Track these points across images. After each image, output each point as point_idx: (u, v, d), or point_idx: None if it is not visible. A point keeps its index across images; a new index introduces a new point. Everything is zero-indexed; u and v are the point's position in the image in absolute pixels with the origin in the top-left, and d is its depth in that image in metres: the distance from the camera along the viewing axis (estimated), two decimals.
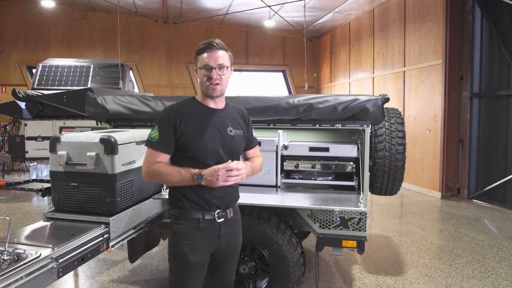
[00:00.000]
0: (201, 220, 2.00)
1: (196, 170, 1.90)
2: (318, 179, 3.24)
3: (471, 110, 7.15)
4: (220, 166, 1.89)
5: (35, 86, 8.02)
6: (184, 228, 2.00)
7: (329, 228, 2.77)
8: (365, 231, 2.72)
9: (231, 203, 2.12)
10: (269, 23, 11.49)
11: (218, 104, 2.07)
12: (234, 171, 1.89)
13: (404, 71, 8.28)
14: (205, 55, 1.97)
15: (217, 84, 1.97)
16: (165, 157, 1.98)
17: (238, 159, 2.10)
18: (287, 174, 3.31)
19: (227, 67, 2.00)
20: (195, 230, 2.00)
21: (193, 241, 1.99)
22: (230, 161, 1.93)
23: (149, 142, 1.99)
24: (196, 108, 2.03)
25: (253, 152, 2.27)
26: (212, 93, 1.99)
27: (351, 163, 3.17)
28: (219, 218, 2.03)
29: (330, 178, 3.24)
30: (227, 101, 2.13)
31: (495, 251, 4.53)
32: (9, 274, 1.80)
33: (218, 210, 2.03)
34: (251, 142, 2.24)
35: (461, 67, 7.15)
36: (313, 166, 3.21)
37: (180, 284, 2.04)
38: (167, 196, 2.93)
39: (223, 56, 1.99)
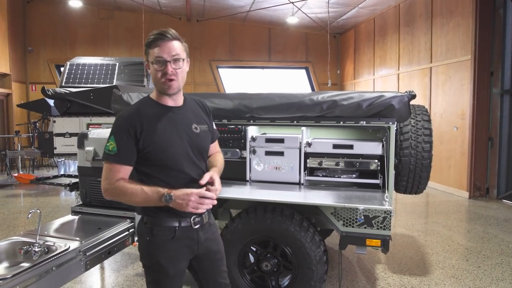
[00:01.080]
0: (177, 228, 1.82)
1: (165, 191, 1.70)
2: (342, 176, 3.20)
3: (501, 107, 6.91)
4: (194, 191, 1.71)
5: (63, 84, 8.24)
6: (160, 239, 1.82)
7: (352, 227, 2.73)
8: (389, 230, 2.67)
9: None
10: (292, 20, 11.41)
11: (177, 101, 1.87)
12: (208, 199, 1.73)
13: (431, 67, 8.07)
14: (158, 46, 1.73)
15: (173, 80, 1.76)
16: (127, 170, 1.77)
17: (207, 156, 1.98)
18: (311, 171, 3.28)
19: (183, 60, 1.79)
20: (171, 240, 1.82)
21: (171, 251, 1.83)
22: (204, 187, 1.75)
23: (107, 156, 1.74)
24: (155, 110, 1.81)
25: (214, 147, 2.08)
26: (168, 90, 1.78)
27: (376, 160, 3.10)
28: (195, 224, 1.86)
29: (354, 176, 3.19)
30: (185, 95, 1.96)
31: None
32: (40, 265, 1.86)
33: (194, 216, 1.86)
34: (213, 135, 2.05)
35: (491, 63, 6.90)
36: (337, 164, 3.17)
37: None
38: None
39: (178, 47, 1.76)
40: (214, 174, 1.84)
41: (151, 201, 1.72)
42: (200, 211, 1.76)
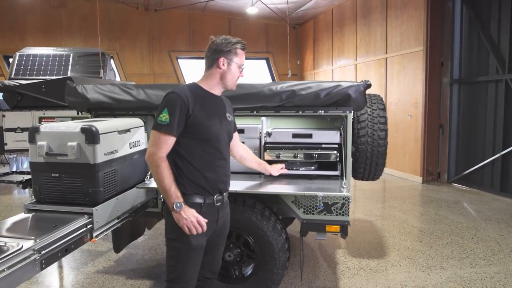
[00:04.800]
0: (203, 205, 2.08)
1: (181, 200, 1.98)
2: (301, 169, 3.16)
3: (451, 96, 7.29)
4: (199, 216, 2.01)
5: (12, 76, 7.82)
6: None
7: (313, 214, 2.81)
8: (348, 215, 2.77)
9: (228, 188, 2.25)
10: (252, 10, 11.39)
11: (221, 92, 2.22)
12: (199, 227, 2.02)
13: (386, 58, 8.35)
14: (242, 56, 2.16)
15: None
16: (172, 141, 2.02)
17: (230, 142, 2.31)
18: (269, 164, 3.23)
19: None
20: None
21: None
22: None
23: (159, 126, 1.99)
24: (203, 94, 2.12)
25: (237, 136, 2.47)
26: (235, 88, 2.22)
27: (335, 152, 3.07)
28: (217, 202, 2.13)
29: (313, 168, 3.17)
30: None
31: (473, 232, 4.67)
32: None
33: (217, 194, 2.13)
34: (235, 126, 2.44)
35: (442, 54, 7.25)
36: (295, 156, 3.12)
37: (181, 267, 2.09)
38: (151, 185, 2.93)
39: None
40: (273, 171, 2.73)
41: (165, 195, 1.99)
42: (186, 229, 1.99)
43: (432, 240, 4.43)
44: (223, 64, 2.11)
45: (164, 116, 1.98)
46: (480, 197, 6.29)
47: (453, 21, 7.17)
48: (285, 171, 2.87)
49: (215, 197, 2.11)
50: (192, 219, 1.98)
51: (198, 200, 2.07)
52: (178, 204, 1.97)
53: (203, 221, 2.02)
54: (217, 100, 2.19)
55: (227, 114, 2.24)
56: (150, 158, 2.01)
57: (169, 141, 2.00)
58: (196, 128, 2.03)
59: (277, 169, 2.77)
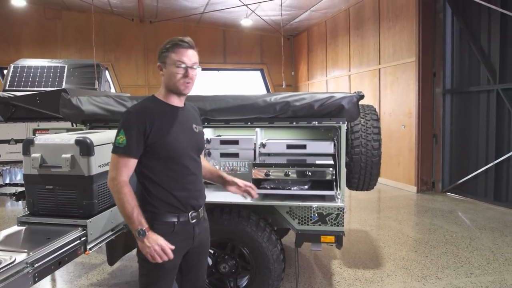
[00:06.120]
0: (176, 224, 1.96)
1: (145, 227, 1.83)
2: (293, 188, 2.92)
3: (443, 106, 7.36)
4: (163, 244, 1.83)
5: (6, 88, 7.80)
6: (160, 233, 1.90)
7: (307, 224, 2.81)
8: (342, 226, 2.78)
9: (203, 203, 2.13)
10: (246, 22, 11.49)
11: (182, 102, 2.07)
12: (164, 256, 1.84)
13: (380, 69, 8.44)
14: (179, 52, 1.94)
15: (189, 83, 1.97)
16: (133, 163, 1.91)
17: (200, 154, 2.15)
18: (257, 183, 2.93)
19: (197, 67, 2.01)
20: (170, 234, 1.94)
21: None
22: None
23: (116, 149, 1.88)
24: (163, 108, 1.99)
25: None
26: (184, 90, 1.97)
27: (331, 169, 2.85)
28: (193, 219, 2.02)
29: (306, 187, 2.93)
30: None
31: (468, 241, 4.68)
32: None
33: (192, 211, 2.02)
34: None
35: (434, 64, 7.34)
36: (287, 174, 2.89)
37: (153, 286, 2.00)
38: None
39: (196, 55, 2.00)
40: (238, 180, 2.28)
41: (128, 221, 1.85)
42: (149, 257, 1.84)
43: (427, 250, 4.44)
44: (162, 69, 1.99)
45: (121, 138, 1.86)
46: (474, 206, 6.32)
47: (445, 32, 7.28)
48: (256, 195, 2.37)
49: (189, 214, 2.00)
50: (156, 247, 1.82)
51: (172, 218, 1.96)
52: (141, 231, 1.82)
53: (168, 249, 1.85)
54: (179, 112, 2.02)
55: (193, 126, 2.08)
56: (110, 183, 1.88)
57: (130, 164, 1.89)
58: (157, 147, 1.90)
59: (243, 184, 2.31)
